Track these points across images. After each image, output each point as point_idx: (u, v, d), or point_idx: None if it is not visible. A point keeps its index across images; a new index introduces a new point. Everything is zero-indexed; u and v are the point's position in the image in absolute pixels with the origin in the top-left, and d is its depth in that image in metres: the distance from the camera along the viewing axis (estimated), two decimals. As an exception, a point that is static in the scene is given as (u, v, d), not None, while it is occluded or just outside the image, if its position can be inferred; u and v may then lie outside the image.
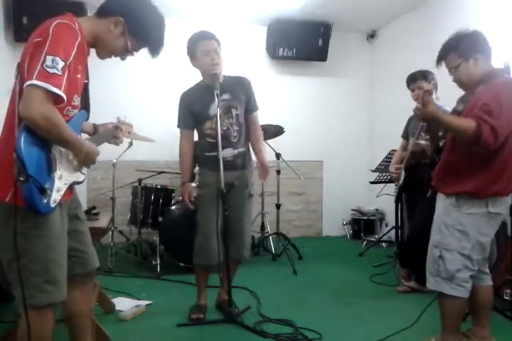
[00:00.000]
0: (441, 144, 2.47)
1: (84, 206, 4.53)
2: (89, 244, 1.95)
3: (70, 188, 1.80)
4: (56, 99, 1.55)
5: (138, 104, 5.32)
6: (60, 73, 1.53)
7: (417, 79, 3.45)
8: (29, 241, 1.62)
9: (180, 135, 3.03)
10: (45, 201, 1.58)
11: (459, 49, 2.29)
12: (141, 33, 1.82)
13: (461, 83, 2.34)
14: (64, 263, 1.73)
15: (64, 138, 1.62)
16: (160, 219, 4.08)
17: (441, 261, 2.24)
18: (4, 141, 1.66)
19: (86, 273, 1.92)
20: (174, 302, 3.27)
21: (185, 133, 3.01)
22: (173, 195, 4.40)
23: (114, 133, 2.12)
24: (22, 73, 1.60)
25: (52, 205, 1.63)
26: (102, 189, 4.93)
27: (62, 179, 1.69)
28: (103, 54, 1.87)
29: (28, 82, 1.50)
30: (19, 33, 4.78)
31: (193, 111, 2.95)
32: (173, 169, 4.93)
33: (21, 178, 1.49)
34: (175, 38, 5.49)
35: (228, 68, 3.04)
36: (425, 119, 2.28)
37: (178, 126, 3.03)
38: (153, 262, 4.04)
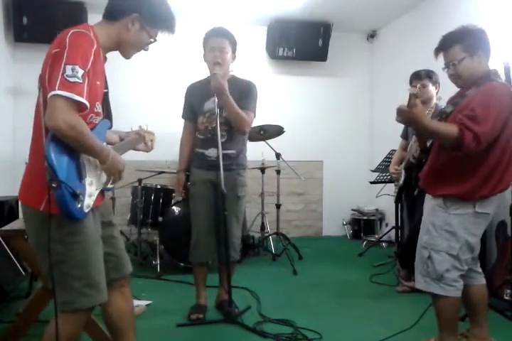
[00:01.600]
0: (428, 144, 2.46)
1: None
2: (123, 249, 1.98)
3: (102, 194, 1.84)
4: (80, 106, 1.59)
5: (138, 104, 5.32)
6: (81, 81, 1.57)
7: (422, 78, 3.45)
8: (68, 248, 1.66)
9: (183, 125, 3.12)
10: (79, 206, 1.62)
11: (465, 42, 2.23)
12: (158, 19, 1.86)
13: (459, 78, 2.28)
14: (102, 267, 1.77)
15: (90, 146, 1.65)
16: (160, 219, 4.08)
17: (429, 261, 2.23)
18: (34, 154, 1.71)
19: (121, 277, 1.96)
20: (174, 302, 3.27)
21: (186, 125, 3.12)
22: (173, 194, 4.39)
23: (137, 141, 2.16)
24: (44, 85, 1.63)
25: (86, 210, 1.67)
26: (102, 189, 4.93)
27: (92, 185, 1.72)
28: (130, 53, 1.90)
29: (52, 93, 1.54)
30: (19, 33, 4.78)
31: (192, 103, 3.03)
32: (173, 169, 4.92)
33: (53, 185, 1.54)
34: (175, 38, 5.52)
35: (231, 68, 3.03)
36: (408, 122, 2.23)
37: (182, 116, 3.14)
38: (153, 262, 4.04)
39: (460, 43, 2.24)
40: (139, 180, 4.32)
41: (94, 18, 5.70)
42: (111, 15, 1.79)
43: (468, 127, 2.05)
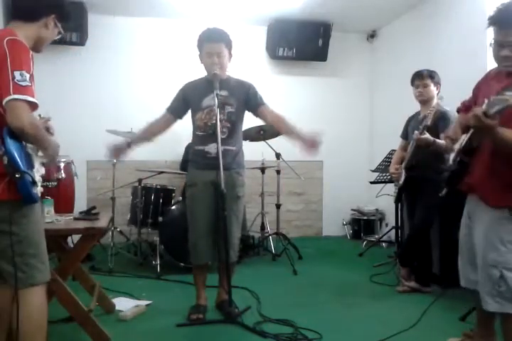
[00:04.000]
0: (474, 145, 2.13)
1: (84, 206, 4.56)
2: None
3: None
4: (32, 106, 1.76)
5: (138, 104, 5.31)
6: (30, 84, 1.75)
7: (424, 77, 3.46)
8: (23, 228, 1.84)
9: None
10: (35, 191, 1.83)
11: None
12: (67, 17, 2.06)
13: None
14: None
15: (45, 140, 1.87)
16: (160, 219, 4.07)
17: (502, 281, 2.02)
18: None
19: None
20: (174, 302, 3.27)
21: (166, 115, 3.05)
22: (173, 194, 4.40)
23: None
24: None
25: (39, 194, 1.87)
26: (102, 189, 4.94)
27: (38, 172, 1.91)
28: (43, 48, 2.04)
29: (9, 98, 1.70)
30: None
31: (187, 100, 3.01)
32: (173, 169, 4.93)
33: (17, 175, 1.74)
34: (175, 38, 5.54)
35: (228, 68, 3.04)
36: (480, 130, 1.93)
37: (167, 108, 3.07)
38: (153, 262, 4.03)
39: None
40: (139, 180, 4.32)
41: (94, 17, 5.72)
42: (29, 16, 1.93)
43: None
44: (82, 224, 2.54)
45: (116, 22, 5.16)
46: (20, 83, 1.71)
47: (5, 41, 1.75)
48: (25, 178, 1.76)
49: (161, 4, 5.00)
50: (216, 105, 2.76)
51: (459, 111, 2.45)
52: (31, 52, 1.82)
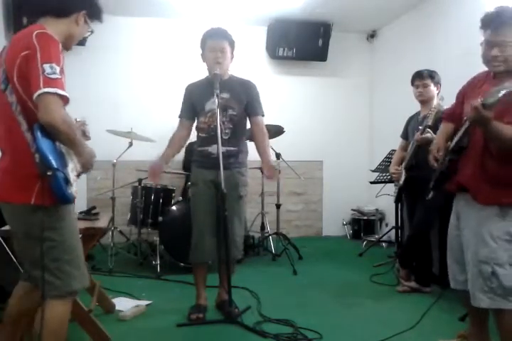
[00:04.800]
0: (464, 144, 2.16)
1: (84, 206, 4.56)
2: None
3: None
4: (63, 100, 1.70)
5: (138, 104, 5.32)
6: (60, 76, 1.69)
7: (424, 77, 3.46)
8: (58, 233, 1.79)
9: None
10: (70, 191, 1.76)
11: None
12: (97, 14, 2.03)
13: (505, 62, 2.03)
14: (82, 252, 1.92)
15: (79, 143, 1.81)
16: (160, 219, 4.07)
17: (494, 278, 2.03)
18: (11, 152, 1.79)
19: None
20: (174, 302, 3.27)
21: (183, 122, 3.09)
22: (173, 194, 4.40)
23: None
24: (19, 85, 1.73)
25: (75, 195, 1.81)
26: (102, 189, 4.94)
27: (73, 172, 1.84)
28: (72, 45, 2.01)
29: (39, 92, 1.64)
30: (19, 33, 4.78)
31: (192, 102, 3.04)
32: (173, 169, 4.93)
33: (49, 173, 1.67)
34: (175, 38, 5.54)
35: (229, 68, 3.05)
36: (478, 121, 1.94)
37: (180, 116, 3.11)
38: (153, 262, 4.03)
39: None
40: (139, 180, 4.32)
41: (94, 18, 5.58)
42: (61, 12, 1.90)
43: None
44: (82, 224, 2.53)
45: (117, 22, 5.18)
46: (50, 76, 1.66)
47: (34, 34, 1.72)
48: (58, 176, 1.69)
49: (160, 4, 5.00)
50: (216, 105, 2.77)
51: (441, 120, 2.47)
52: (60, 45, 1.78)
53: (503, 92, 1.78)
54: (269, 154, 3.06)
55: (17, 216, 1.81)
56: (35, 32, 1.73)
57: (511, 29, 2.01)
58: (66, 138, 1.74)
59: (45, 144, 1.69)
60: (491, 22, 2.04)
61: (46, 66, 1.66)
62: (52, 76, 1.66)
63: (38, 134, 1.69)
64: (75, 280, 1.83)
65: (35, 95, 1.65)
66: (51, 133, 1.70)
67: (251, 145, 3.10)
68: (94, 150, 1.93)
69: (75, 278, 1.83)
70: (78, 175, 1.91)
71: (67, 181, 1.73)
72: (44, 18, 1.87)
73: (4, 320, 2.00)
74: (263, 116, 3.08)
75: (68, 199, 1.77)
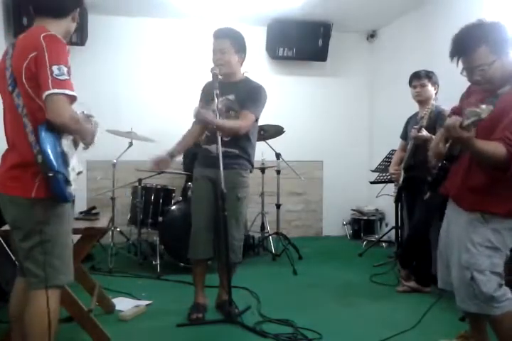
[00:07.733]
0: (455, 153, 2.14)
1: (84, 206, 4.56)
2: None
3: None
4: (71, 99, 1.80)
5: (138, 104, 5.32)
6: (68, 77, 1.78)
7: (422, 78, 3.47)
8: (53, 228, 1.86)
9: None
10: (69, 190, 1.84)
11: (491, 42, 1.92)
12: (83, 8, 2.13)
13: (489, 83, 1.99)
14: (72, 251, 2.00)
15: (85, 131, 1.93)
16: (160, 219, 4.08)
17: (474, 283, 2.01)
18: (17, 150, 1.87)
19: None
20: (174, 302, 3.27)
21: (193, 123, 3.09)
22: (173, 195, 4.40)
23: None
24: (22, 87, 1.80)
25: (73, 193, 1.88)
26: (102, 189, 4.94)
27: (74, 170, 1.91)
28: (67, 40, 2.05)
29: (47, 92, 1.73)
30: (19, 33, 4.75)
31: (204, 100, 3.03)
32: (173, 169, 4.93)
33: (50, 174, 1.75)
34: (175, 38, 5.54)
35: (238, 69, 3.03)
36: (455, 141, 1.97)
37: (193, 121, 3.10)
38: (153, 262, 4.03)
39: (485, 44, 1.91)
40: (139, 180, 4.32)
41: (95, 18, 5.71)
42: (60, 12, 1.96)
43: None
44: (82, 224, 2.54)
45: (117, 22, 5.18)
46: (59, 77, 1.74)
47: (42, 36, 1.78)
48: (58, 177, 1.77)
49: (161, 4, 4.99)
50: (216, 105, 2.76)
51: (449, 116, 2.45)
52: (67, 46, 1.85)
53: (472, 119, 1.76)
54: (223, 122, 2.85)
55: (16, 208, 1.87)
56: (43, 34, 1.79)
57: (480, 51, 1.93)
58: (74, 132, 1.88)
59: (48, 145, 1.77)
60: (457, 50, 2.00)
61: (55, 68, 1.74)
62: (61, 77, 1.75)
63: (42, 136, 1.77)
64: (63, 275, 1.91)
65: (45, 95, 1.73)
66: (60, 130, 1.80)
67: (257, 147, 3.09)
68: (97, 123, 2.03)
69: (63, 273, 1.91)
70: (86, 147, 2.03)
71: (67, 181, 1.80)
72: (41, 19, 1.92)
73: (11, 320, 2.07)
74: (255, 116, 2.93)
75: (66, 199, 1.84)
